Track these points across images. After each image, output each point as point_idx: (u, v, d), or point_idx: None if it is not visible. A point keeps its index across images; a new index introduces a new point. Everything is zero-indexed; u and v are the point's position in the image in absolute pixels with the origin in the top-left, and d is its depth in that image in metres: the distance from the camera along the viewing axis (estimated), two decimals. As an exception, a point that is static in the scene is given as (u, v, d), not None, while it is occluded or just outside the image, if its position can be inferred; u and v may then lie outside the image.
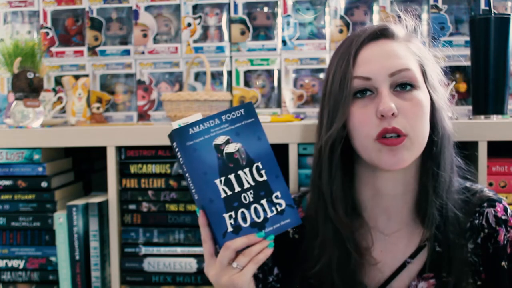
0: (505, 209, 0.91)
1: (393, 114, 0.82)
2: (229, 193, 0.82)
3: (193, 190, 0.83)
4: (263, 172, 0.84)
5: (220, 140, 0.82)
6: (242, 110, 0.84)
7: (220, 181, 0.82)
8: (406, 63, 0.85)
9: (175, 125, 0.82)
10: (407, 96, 0.84)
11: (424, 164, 0.89)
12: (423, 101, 0.85)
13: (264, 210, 0.83)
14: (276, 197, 0.84)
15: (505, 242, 0.89)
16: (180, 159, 0.82)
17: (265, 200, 0.83)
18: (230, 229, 0.81)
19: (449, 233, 0.88)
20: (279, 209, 0.84)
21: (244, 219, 0.82)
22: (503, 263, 0.88)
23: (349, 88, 0.85)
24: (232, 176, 0.82)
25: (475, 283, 0.89)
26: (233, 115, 0.83)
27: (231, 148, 0.82)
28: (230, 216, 0.82)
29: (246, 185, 0.83)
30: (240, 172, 0.82)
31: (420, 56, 0.89)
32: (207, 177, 0.81)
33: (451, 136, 0.90)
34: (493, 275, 0.89)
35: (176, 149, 0.82)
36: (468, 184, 0.95)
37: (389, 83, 0.84)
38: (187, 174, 0.82)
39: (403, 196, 0.91)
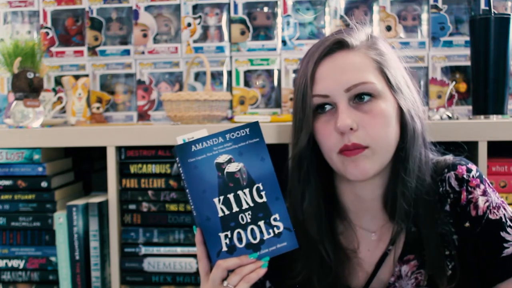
0: (468, 170, 0.88)
1: (351, 129, 0.82)
2: (227, 212, 0.81)
3: (192, 207, 0.82)
4: (263, 193, 0.83)
5: (222, 159, 0.81)
6: (248, 130, 0.83)
7: (219, 200, 0.81)
8: (363, 76, 0.84)
9: (180, 140, 0.82)
10: (366, 107, 0.84)
11: (394, 168, 0.88)
12: (385, 110, 0.84)
13: (261, 231, 0.82)
14: (275, 219, 0.83)
15: (466, 202, 0.87)
16: (182, 175, 0.81)
17: (262, 221, 0.82)
18: (224, 248, 0.81)
19: (422, 213, 0.88)
20: (276, 231, 0.82)
21: (240, 239, 0.81)
22: (466, 224, 0.87)
23: (309, 107, 0.86)
24: (231, 196, 0.81)
25: (450, 254, 0.87)
26: (238, 134, 0.83)
27: (232, 167, 0.82)
28: (226, 236, 0.81)
29: (245, 206, 0.82)
30: (239, 192, 0.82)
31: (380, 61, 0.86)
32: (205, 195, 0.81)
33: (420, 135, 0.88)
34: (462, 239, 0.87)
35: (179, 165, 0.81)
36: (435, 160, 0.92)
37: (347, 97, 0.84)
38: (187, 191, 0.82)
39: (383, 197, 0.91)
